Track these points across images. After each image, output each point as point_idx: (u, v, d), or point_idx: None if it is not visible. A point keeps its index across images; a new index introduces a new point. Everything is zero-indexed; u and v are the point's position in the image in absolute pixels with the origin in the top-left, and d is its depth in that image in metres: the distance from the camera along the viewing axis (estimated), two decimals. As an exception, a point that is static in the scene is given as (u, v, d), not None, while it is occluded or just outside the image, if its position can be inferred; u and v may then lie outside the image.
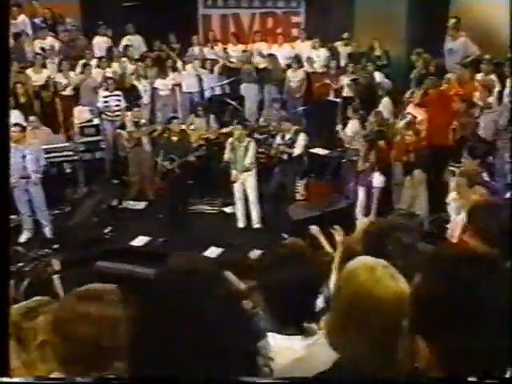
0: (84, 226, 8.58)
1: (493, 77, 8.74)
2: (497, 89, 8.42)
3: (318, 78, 12.23)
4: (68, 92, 10.91)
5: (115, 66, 11.62)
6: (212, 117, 10.79)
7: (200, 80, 12.15)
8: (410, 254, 2.13)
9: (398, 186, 8.19)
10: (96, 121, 10.54)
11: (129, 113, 10.27)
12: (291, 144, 9.15)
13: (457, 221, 5.22)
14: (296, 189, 9.48)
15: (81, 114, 10.65)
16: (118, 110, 10.67)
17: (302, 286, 1.93)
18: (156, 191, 10.00)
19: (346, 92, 11.20)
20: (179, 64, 12.14)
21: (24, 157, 8.14)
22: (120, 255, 7.54)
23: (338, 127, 9.57)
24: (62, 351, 1.65)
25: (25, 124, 8.87)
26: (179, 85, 11.99)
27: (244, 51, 12.66)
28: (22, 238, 8.38)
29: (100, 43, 12.19)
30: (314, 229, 4.40)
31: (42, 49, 11.59)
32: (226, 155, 9.04)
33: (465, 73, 8.78)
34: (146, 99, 11.42)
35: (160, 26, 12.46)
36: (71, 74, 11.07)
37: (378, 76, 11.02)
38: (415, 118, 8.42)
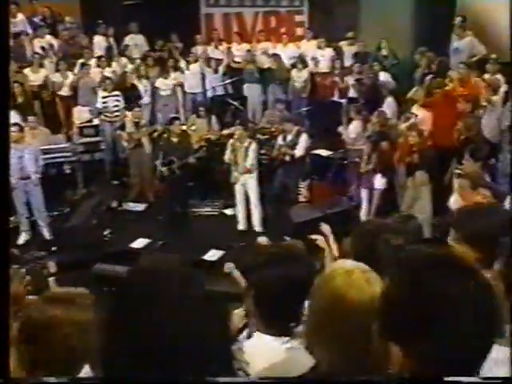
0: (83, 227, 8.61)
1: (499, 76, 8.74)
2: (503, 89, 8.41)
3: (322, 78, 12.24)
4: (64, 92, 10.94)
5: (114, 65, 11.67)
6: (213, 117, 10.79)
7: (203, 80, 12.17)
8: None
9: (401, 188, 8.19)
10: (96, 121, 10.59)
11: (129, 113, 10.27)
12: (293, 145, 9.15)
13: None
14: (298, 191, 9.50)
15: (80, 114, 10.70)
16: (116, 111, 10.68)
17: (291, 288, 1.94)
18: (156, 193, 10.03)
19: (352, 92, 11.22)
20: (183, 63, 12.17)
21: (21, 157, 8.18)
22: (119, 257, 7.56)
23: (341, 128, 9.57)
24: (32, 354, 1.67)
25: (23, 124, 8.91)
26: (181, 85, 12.04)
27: (248, 51, 12.66)
28: (20, 240, 8.42)
29: (100, 42, 12.23)
30: (325, 227, 4.43)
31: (42, 48, 11.65)
32: (227, 156, 9.06)
33: (467, 72, 8.76)
34: (146, 99, 11.47)
35: (162, 25, 12.47)
36: (69, 73, 11.12)
37: (383, 76, 11.01)
38: (419, 118, 8.42)
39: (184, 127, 10.11)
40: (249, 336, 2.19)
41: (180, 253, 7.93)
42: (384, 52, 11.85)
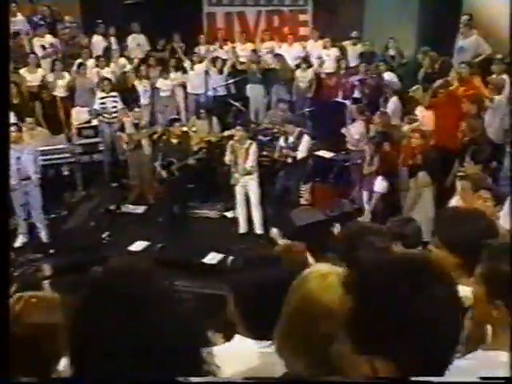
0: (81, 230, 8.65)
1: (504, 76, 8.71)
2: (507, 89, 8.39)
3: (327, 79, 12.24)
4: (59, 92, 10.91)
5: (113, 66, 11.69)
6: (214, 119, 10.77)
7: (206, 81, 12.15)
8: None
9: (404, 191, 8.19)
10: (95, 122, 10.60)
11: (130, 113, 10.25)
12: (294, 147, 9.12)
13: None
14: (300, 193, 9.49)
15: (79, 114, 10.72)
16: (115, 112, 10.69)
17: (271, 291, 1.92)
18: (156, 195, 10.03)
19: (357, 93, 11.23)
20: (187, 63, 12.19)
21: (19, 158, 8.22)
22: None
23: (344, 129, 9.58)
24: None
25: (20, 124, 8.94)
26: (183, 85, 12.06)
27: (253, 51, 12.64)
28: (17, 243, 8.44)
29: (99, 42, 12.27)
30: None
31: (43, 47, 11.72)
32: (227, 157, 9.07)
33: (468, 72, 8.74)
34: (146, 100, 11.48)
35: (163, 25, 12.51)
36: (65, 73, 11.14)
37: (387, 76, 11.01)
38: (422, 120, 8.42)
39: (184, 128, 10.13)
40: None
41: (179, 256, 8.01)
42: (391, 52, 11.86)
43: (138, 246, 8.49)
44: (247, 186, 8.93)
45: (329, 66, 12.34)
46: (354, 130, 9.35)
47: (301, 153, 9.10)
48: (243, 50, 12.93)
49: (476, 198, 5.26)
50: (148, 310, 1.24)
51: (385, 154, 8.16)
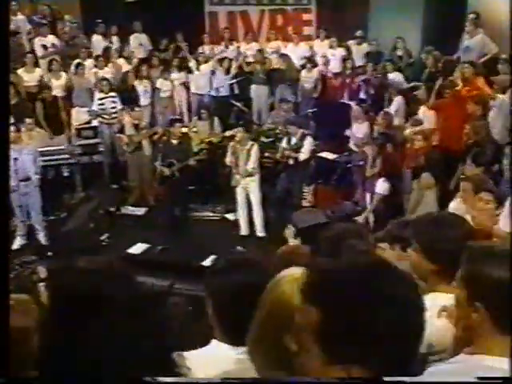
0: (80, 232, 8.66)
1: (508, 76, 8.68)
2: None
3: (333, 79, 12.22)
4: (56, 92, 10.88)
5: (111, 66, 11.69)
6: (216, 119, 10.77)
7: (211, 81, 12.15)
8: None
9: (408, 193, 8.17)
10: (94, 122, 10.63)
11: (131, 113, 10.23)
12: (297, 149, 9.09)
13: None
14: (303, 195, 9.48)
15: (78, 115, 10.74)
16: (114, 113, 10.70)
17: (248, 296, 1.93)
18: (156, 196, 10.05)
19: (363, 94, 11.22)
20: (192, 63, 12.20)
21: (16, 159, 8.25)
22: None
23: (348, 132, 9.57)
24: None
25: (18, 125, 8.97)
26: (186, 85, 12.07)
27: (259, 50, 12.62)
28: (15, 245, 8.47)
29: (98, 42, 12.31)
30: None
31: (44, 46, 11.76)
32: (228, 159, 9.07)
33: (472, 71, 8.71)
34: (146, 100, 11.49)
35: (164, 24, 12.54)
36: (62, 73, 11.16)
37: (392, 76, 10.99)
38: (424, 120, 8.41)
39: (185, 129, 10.14)
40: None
41: (179, 259, 8.01)
42: (399, 52, 11.83)
43: (137, 248, 8.52)
44: (248, 188, 8.93)
45: (335, 66, 12.32)
46: (358, 130, 9.34)
47: (303, 154, 9.07)
48: (248, 50, 12.93)
49: (477, 200, 5.25)
50: (110, 310, 1.25)
51: (387, 155, 8.15)
